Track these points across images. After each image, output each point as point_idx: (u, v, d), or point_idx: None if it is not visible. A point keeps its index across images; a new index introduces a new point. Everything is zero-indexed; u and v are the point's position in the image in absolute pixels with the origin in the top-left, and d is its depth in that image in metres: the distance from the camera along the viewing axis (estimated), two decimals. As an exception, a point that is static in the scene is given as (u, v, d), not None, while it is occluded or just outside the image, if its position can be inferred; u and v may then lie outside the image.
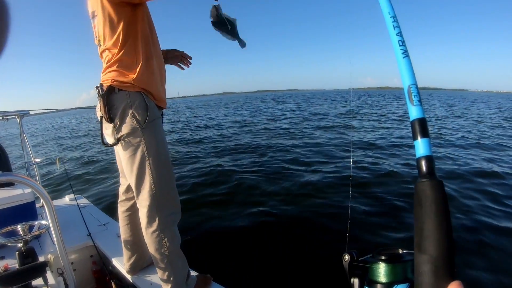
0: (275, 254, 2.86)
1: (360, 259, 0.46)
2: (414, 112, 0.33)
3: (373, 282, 0.43)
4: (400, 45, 0.35)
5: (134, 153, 1.39)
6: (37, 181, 2.91)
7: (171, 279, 1.52)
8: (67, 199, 2.94)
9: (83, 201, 2.96)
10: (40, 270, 1.56)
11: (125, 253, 1.82)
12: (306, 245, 3.02)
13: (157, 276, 1.61)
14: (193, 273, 1.73)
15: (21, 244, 1.58)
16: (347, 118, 14.83)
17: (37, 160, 2.95)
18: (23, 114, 2.97)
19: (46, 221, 1.70)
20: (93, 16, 1.40)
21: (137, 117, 1.35)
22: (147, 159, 1.39)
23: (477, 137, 9.00)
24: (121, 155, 1.45)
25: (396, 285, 0.41)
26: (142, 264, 1.85)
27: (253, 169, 5.81)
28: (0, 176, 1.44)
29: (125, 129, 1.36)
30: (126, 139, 1.38)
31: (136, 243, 1.75)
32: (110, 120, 1.36)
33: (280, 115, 17.75)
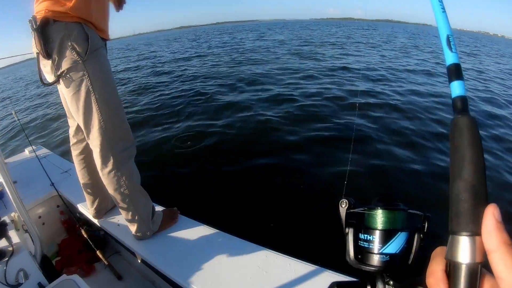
0: (247, 189, 2.87)
1: (357, 208, 0.46)
2: (451, 58, 0.36)
3: (370, 229, 0.44)
4: (439, 1, 0.38)
5: (78, 89, 1.26)
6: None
7: (136, 217, 1.46)
8: (26, 152, 2.74)
9: (43, 151, 2.77)
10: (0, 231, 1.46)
11: (87, 198, 1.73)
12: (284, 184, 2.99)
13: (122, 217, 1.52)
14: (159, 208, 1.63)
15: None
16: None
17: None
18: None
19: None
20: None
21: (77, 49, 1.21)
22: (92, 93, 1.26)
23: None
24: (64, 93, 1.31)
25: (399, 232, 0.42)
26: (106, 206, 1.77)
27: (227, 98, 5.71)
28: None
29: (65, 64, 1.22)
30: (68, 75, 1.24)
31: (96, 186, 1.65)
32: (48, 55, 1.21)
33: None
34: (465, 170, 0.31)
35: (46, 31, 1.19)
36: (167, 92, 7.01)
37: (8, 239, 1.48)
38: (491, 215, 0.28)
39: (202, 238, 1.51)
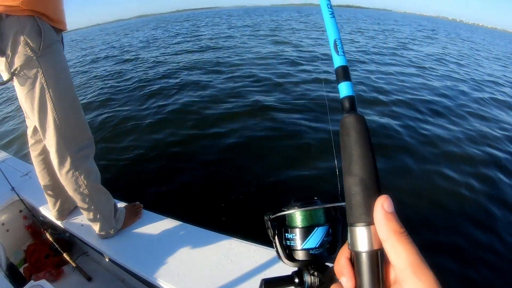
0: (208, 180, 2.90)
1: (276, 214, 0.49)
2: (338, 61, 0.38)
3: (291, 227, 0.47)
4: (328, 8, 0.41)
5: (32, 87, 1.21)
6: None
7: (98, 216, 1.44)
8: None
9: (0, 154, 2.64)
10: None
11: (49, 200, 1.68)
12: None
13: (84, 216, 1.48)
14: (122, 204, 1.61)
15: None
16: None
17: None
18: None
19: None
20: None
21: (30, 44, 1.16)
22: (46, 91, 1.22)
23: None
24: (18, 91, 1.26)
25: (316, 228, 0.45)
26: (69, 206, 1.73)
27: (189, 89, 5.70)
28: None
29: (18, 60, 1.17)
30: (21, 72, 1.19)
31: (57, 187, 1.60)
32: (1, 52, 1.16)
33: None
34: (353, 166, 0.33)
35: None
36: (123, 82, 6.91)
37: None
38: (379, 207, 0.30)
39: (167, 231, 1.51)
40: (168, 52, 10.76)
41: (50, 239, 1.81)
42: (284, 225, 0.49)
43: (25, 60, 1.17)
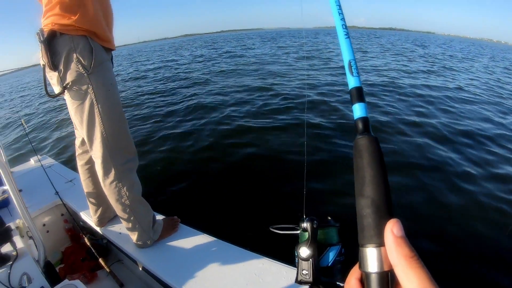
0: (239, 192, 2.95)
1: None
2: (353, 82, 0.39)
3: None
4: (343, 28, 0.41)
5: (82, 102, 1.29)
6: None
7: (136, 227, 1.50)
8: (32, 162, 2.81)
9: (48, 160, 2.84)
10: (4, 236, 1.51)
11: (91, 207, 1.77)
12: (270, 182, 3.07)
13: (123, 225, 1.56)
14: (160, 217, 1.68)
15: None
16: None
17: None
18: None
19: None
20: None
21: (82, 62, 1.24)
22: (96, 106, 1.29)
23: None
24: (68, 105, 1.34)
25: (328, 248, 0.46)
26: (109, 215, 1.81)
27: (223, 115, 5.75)
28: None
29: (70, 76, 1.25)
30: (73, 87, 1.27)
31: (99, 196, 1.69)
32: (54, 67, 1.25)
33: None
34: (366, 188, 0.34)
35: (53, 44, 1.22)
36: (169, 100, 7.10)
37: (13, 244, 1.53)
38: (389, 231, 0.30)
39: (201, 246, 1.56)
40: (213, 70, 11.07)
41: (88, 243, 1.92)
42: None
43: (77, 77, 1.25)
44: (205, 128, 4.90)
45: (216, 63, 13.79)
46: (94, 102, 1.29)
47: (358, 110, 0.38)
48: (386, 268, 0.31)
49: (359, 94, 0.39)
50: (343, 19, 0.42)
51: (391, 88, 7.44)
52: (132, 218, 1.47)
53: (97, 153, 1.37)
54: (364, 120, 0.38)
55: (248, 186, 3.09)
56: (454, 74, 10.91)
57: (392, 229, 0.30)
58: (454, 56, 19.39)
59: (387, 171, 0.34)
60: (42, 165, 2.37)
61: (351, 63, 0.40)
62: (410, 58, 15.39)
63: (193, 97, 7.19)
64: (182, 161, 3.81)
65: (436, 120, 5.09)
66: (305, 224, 0.47)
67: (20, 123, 2.25)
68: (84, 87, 1.27)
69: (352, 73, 0.40)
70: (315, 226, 0.47)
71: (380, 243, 0.31)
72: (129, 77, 12.60)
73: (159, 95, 7.98)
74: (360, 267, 0.33)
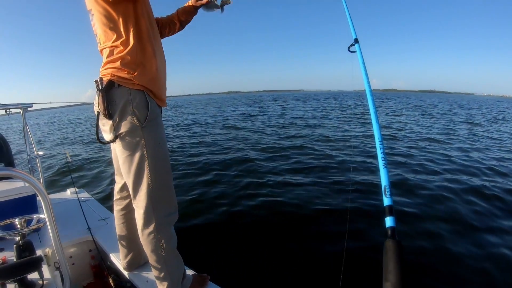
0: (274, 254, 2.85)
1: None
2: (386, 201, 0.55)
3: None
4: (382, 160, 0.56)
5: (132, 153, 1.35)
6: (39, 174, 2.92)
7: (167, 279, 1.50)
8: (68, 193, 2.95)
9: (84, 195, 2.96)
10: (35, 264, 1.55)
11: (121, 250, 1.80)
12: (306, 245, 2.99)
13: (153, 274, 1.60)
14: (190, 272, 1.71)
15: (19, 238, 1.58)
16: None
17: (40, 153, 2.95)
18: (26, 107, 2.98)
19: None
20: (91, 14, 1.36)
21: (138, 115, 1.31)
22: (146, 159, 1.35)
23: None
24: (118, 153, 1.40)
25: None
26: (139, 261, 1.84)
27: (255, 168, 5.83)
28: None
29: (124, 127, 1.31)
30: (125, 138, 1.33)
31: (132, 242, 1.74)
32: (109, 116, 1.31)
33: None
34: (388, 275, 0.52)
35: (110, 94, 1.29)
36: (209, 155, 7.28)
37: (40, 273, 1.58)
38: None
39: None
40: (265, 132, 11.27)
41: (112, 284, 1.96)
42: None
43: (131, 128, 1.31)
44: (243, 180, 4.99)
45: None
46: (145, 154, 1.34)
47: (389, 221, 0.56)
48: None
49: (390, 210, 0.56)
50: (383, 152, 0.60)
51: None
52: (164, 269, 1.48)
53: (140, 203, 1.40)
54: (392, 229, 0.56)
55: (287, 248, 2.99)
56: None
57: None
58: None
59: (405, 265, 0.52)
60: (78, 198, 2.49)
61: (386, 188, 0.57)
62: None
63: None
64: (218, 214, 3.79)
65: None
66: None
67: (65, 155, 2.40)
68: (137, 139, 1.33)
69: (386, 195, 0.57)
70: None
71: None
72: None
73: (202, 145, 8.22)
74: None
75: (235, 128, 12.06)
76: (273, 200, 4.15)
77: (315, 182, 4.84)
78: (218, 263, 2.68)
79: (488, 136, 10.01)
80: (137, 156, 1.35)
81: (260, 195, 4.36)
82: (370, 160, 6.04)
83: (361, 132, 10.32)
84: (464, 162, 6.12)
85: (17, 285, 1.50)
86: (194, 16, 1.77)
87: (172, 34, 1.76)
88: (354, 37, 0.99)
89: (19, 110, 2.99)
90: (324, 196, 4.22)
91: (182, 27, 1.76)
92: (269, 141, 8.48)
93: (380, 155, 0.60)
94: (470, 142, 8.60)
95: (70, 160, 2.33)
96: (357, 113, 18.28)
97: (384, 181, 0.57)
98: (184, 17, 1.72)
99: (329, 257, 2.74)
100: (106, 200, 3.93)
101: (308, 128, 11.45)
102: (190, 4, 1.71)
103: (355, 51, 0.96)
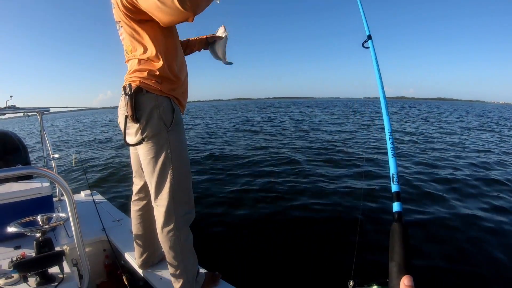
0: (285, 254, 2.89)
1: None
2: (394, 188, 0.60)
3: None
4: (391, 150, 0.62)
5: (157, 155, 1.41)
6: (55, 175, 2.99)
7: (183, 275, 1.55)
8: (83, 195, 3.03)
9: (98, 197, 3.04)
10: (57, 258, 1.63)
11: (137, 249, 1.86)
12: (318, 246, 3.03)
13: (167, 272, 1.64)
14: (202, 270, 1.76)
15: (39, 234, 1.64)
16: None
17: (56, 155, 3.05)
18: (43, 111, 3.09)
19: (64, 213, 1.77)
20: (119, 26, 1.43)
21: (164, 119, 1.38)
22: (170, 161, 1.41)
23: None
24: (142, 155, 1.46)
25: None
26: (153, 260, 1.90)
27: (269, 170, 5.92)
28: (25, 169, 1.50)
29: (150, 130, 1.37)
30: (151, 140, 1.39)
31: (148, 240, 1.80)
32: (136, 120, 1.37)
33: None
34: (394, 255, 0.57)
35: (138, 99, 1.35)
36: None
37: (61, 267, 1.65)
38: (402, 283, 0.51)
39: None
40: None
41: (126, 282, 2.01)
42: None
43: (157, 131, 1.37)
44: (253, 186, 5.04)
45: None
46: (169, 157, 1.40)
47: (396, 206, 0.61)
48: None
49: (397, 196, 0.61)
50: (392, 142, 0.66)
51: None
52: (181, 266, 1.53)
53: (162, 202, 1.45)
54: (399, 213, 0.60)
55: (299, 248, 3.04)
56: None
57: (404, 281, 0.51)
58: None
59: (410, 246, 0.58)
60: (93, 200, 2.57)
61: (394, 175, 0.63)
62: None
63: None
64: (233, 216, 3.86)
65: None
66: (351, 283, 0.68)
67: (76, 158, 2.47)
68: (162, 142, 1.39)
69: (393, 181, 0.63)
70: (354, 284, 0.67)
71: None
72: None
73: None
74: None
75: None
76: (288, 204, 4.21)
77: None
78: (230, 263, 2.72)
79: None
80: (161, 158, 1.40)
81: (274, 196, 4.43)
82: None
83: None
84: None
85: (38, 278, 1.58)
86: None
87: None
88: (367, 33, 1.05)
89: (35, 113, 3.10)
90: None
91: (191, 53, 1.88)
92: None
93: (389, 145, 0.64)
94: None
95: (74, 163, 2.39)
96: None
97: (392, 169, 0.61)
98: (200, 48, 1.85)
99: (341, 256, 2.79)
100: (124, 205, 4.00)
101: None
102: (204, 37, 1.83)
103: (368, 47, 1.02)
